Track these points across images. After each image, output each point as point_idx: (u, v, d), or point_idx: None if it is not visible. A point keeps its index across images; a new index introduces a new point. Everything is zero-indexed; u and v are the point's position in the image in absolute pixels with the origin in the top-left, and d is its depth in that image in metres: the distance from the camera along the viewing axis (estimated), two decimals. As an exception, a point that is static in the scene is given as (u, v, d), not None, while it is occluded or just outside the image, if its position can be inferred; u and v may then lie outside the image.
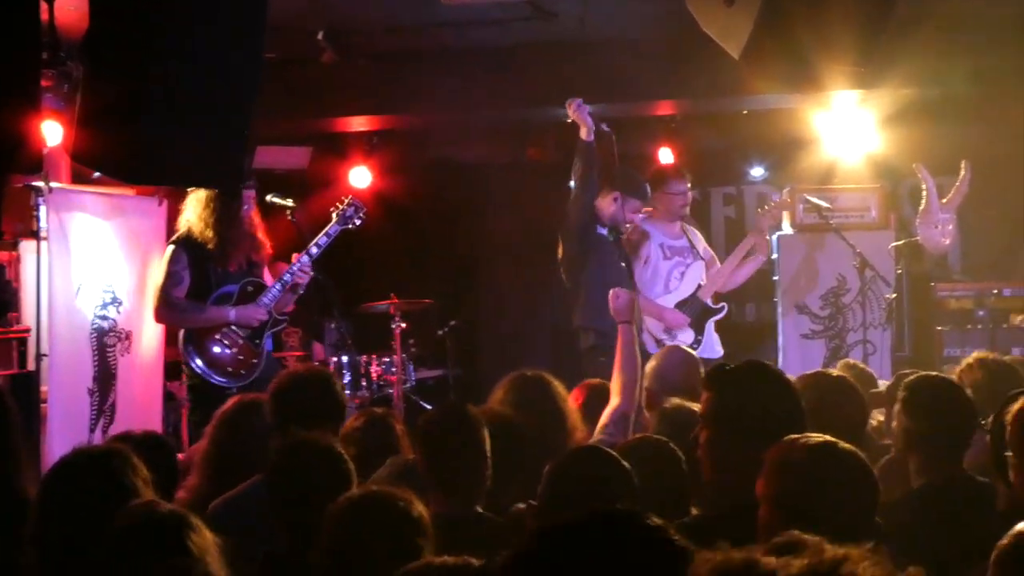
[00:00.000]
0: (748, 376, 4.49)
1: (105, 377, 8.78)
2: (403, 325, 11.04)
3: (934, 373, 5.18)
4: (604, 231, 9.02)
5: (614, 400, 5.82)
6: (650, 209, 9.47)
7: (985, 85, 10.12)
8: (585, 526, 2.16)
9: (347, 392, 10.54)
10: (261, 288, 8.34)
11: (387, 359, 10.96)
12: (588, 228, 9.23)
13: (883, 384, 6.74)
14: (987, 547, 3.68)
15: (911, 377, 5.24)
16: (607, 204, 9.23)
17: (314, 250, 8.49)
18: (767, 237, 9.67)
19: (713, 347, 9.51)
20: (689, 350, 7.09)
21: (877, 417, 6.22)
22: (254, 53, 5.10)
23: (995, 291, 9.87)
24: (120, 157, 5.17)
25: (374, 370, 10.88)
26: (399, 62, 10.30)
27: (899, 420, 4.93)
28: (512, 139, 12.13)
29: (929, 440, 4.78)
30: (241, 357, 8.27)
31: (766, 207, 9.98)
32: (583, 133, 8.98)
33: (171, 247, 8.33)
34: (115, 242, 8.83)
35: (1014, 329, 9.48)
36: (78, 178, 9.16)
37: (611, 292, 6.29)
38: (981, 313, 10.15)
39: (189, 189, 8.30)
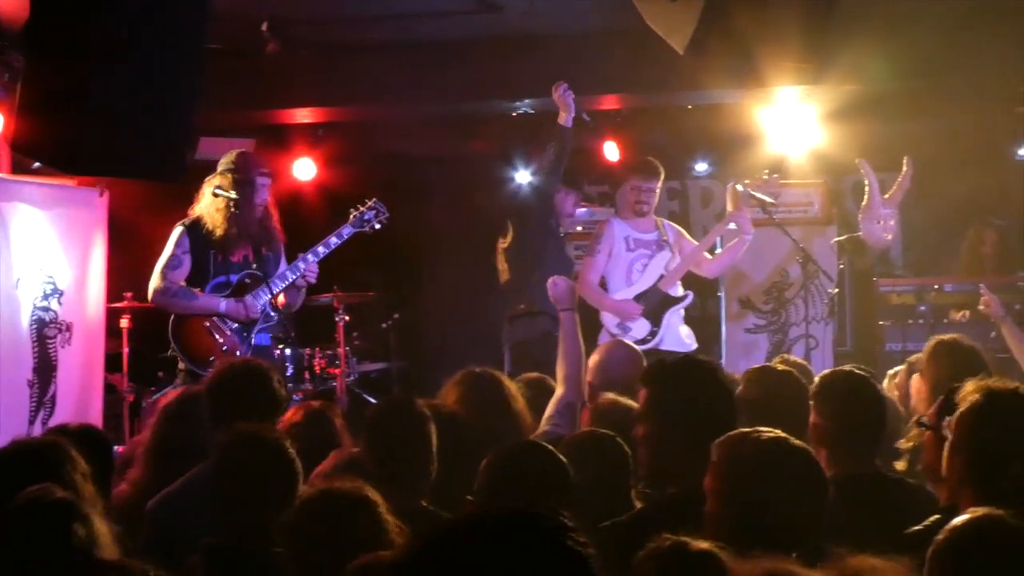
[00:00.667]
0: (682, 371, 4.52)
1: (45, 369, 8.70)
2: (346, 318, 11.01)
3: (848, 368, 5.21)
4: (552, 222, 9.06)
5: (559, 390, 5.84)
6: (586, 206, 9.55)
7: (926, 81, 10.20)
8: (476, 526, 2.13)
9: (290, 385, 10.49)
10: (259, 281, 8.22)
11: (330, 352, 10.92)
12: (547, 216, 9.29)
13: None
14: (893, 543, 3.72)
15: (825, 372, 5.29)
16: (560, 196, 9.29)
17: (321, 250, 8.41)
18: (746, 215, 9.65)
19: (678, 339, 9.48)
20: (633, 346, 7.11)
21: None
22: (197, 43, 5.07)
23: (936, 286, 9.95)
24: (61, 147, 5.11)
25: (317, 363, 10.83)
26: (344, 54, 10.26)
27: (812, 415, 4.97)
28: (457, 132, 12.12)
29: (837, 435, 4.82)
30: (226, 348, 8.15)
31: (747, 183, 9.93)
32: (562, 118, 9.01)
33: (178, 229, 8.21)
34: (55, 233, 8.75)
35: (955, 324, 9.54)
36: (18, 168, 9.06)
37: (550, 280, 6.30)
38: (922, 308, 10.22)
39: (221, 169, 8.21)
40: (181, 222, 8.25)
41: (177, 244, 8.14)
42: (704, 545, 3.09)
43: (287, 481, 4.29)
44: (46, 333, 8.72)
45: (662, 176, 9.62)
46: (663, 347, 9.22)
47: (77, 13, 4.87)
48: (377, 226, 8.71)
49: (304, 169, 11.76)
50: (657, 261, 9.50)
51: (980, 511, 3.22)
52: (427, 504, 4.61)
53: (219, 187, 8.24)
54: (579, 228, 11.50)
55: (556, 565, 2.06)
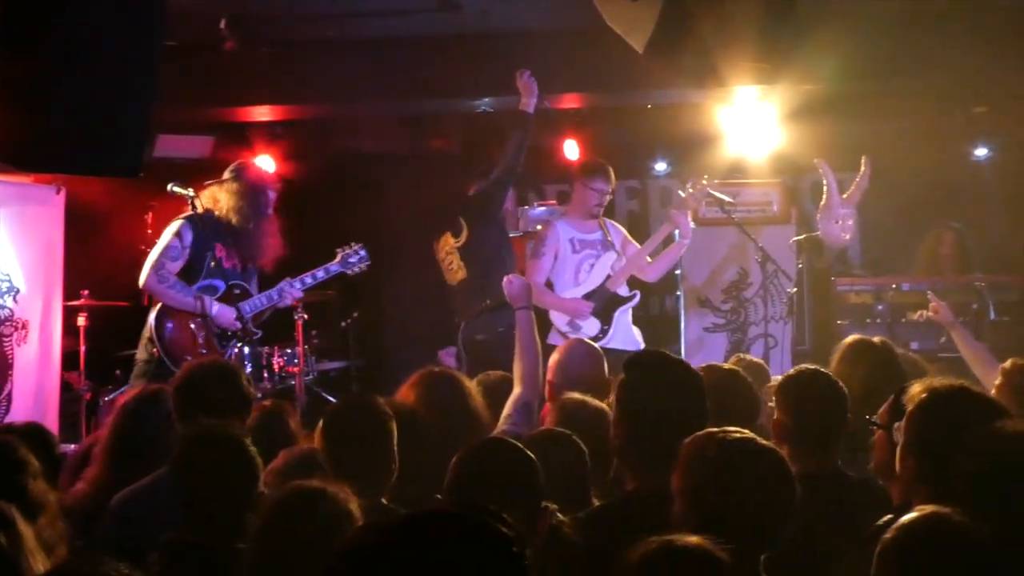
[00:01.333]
0: (656, 368, 4.53)
1: (1, 367, 8.65)
2: (305, 316, 10.96)
3: (811, 366, 5.24)
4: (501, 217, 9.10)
5: (516, 389, 5.83)
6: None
7: (883, 81, 10.25)
8: (416, 526, 2.13)
9: (249, 384, 10.46)
10: (246, 295, 8.19)
11: (289, 350, 10.88)
12: (500, 210, 9.33)
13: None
14: (849, 542, 3.74)
15: (789, 371, 5.32)
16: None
17: (308, 280, 8.42)
18: (688, 219, 9.68)
19: (628, 337, 9.53)
20: (593, 344, 7.11)
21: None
22: (155, 41, 5.05)
23: (894, 286, 9.98)
24: (17, 144, 5.08)
25: (276, 362, 10.79)
26: (303, 51, 10.22)
27: (775, 413, 4.99)
28: (417, 130, 12.10)
29: (798, 432, 4.84)
30: (204, 351, 8.09)
31: (688, 189, 9.97)
32: (524, 103, 9.02)
33: (181, 221, 8.16)
34: (11, 230, 8.70)
35: (912, 323, 9.58)
36: (-26, 165, 9.00)
37: (505, 278, 6.31)
38: (880, 307, 10.25)
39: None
40: (185, 214, 8.19)
41: (181, 235, 8.10)
42: (697, 540, 3.08)
43: (247, 478, 4.27)
44: (1, 331, 8.67)
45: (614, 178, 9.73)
46: (612, 345, 9.24)
47: (33, 11, 4.84)
48: (358, 270, 8.74)
49: (265, 167, 11.72)
50: (604, 261, 9.56)
51: (927, 509, 3.24)
52: (388, 502, 4.60)
53: (177, 185, 8.24)
54: (539, 227, 11.49)
55: (495, 565, 2.06)
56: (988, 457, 3.51)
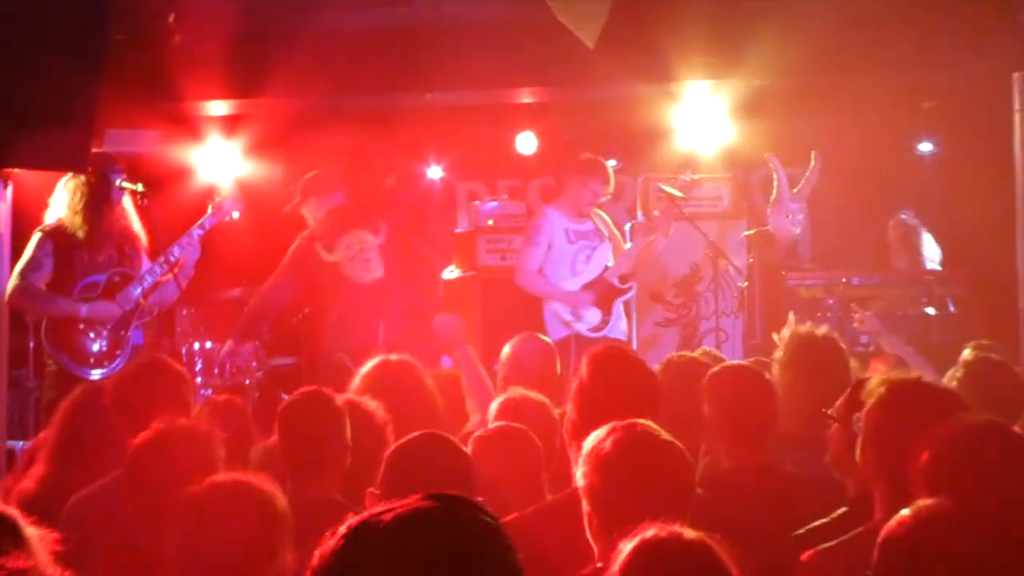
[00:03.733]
0: (610, 361, 4.54)
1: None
2: (256, 311, 10.92)
3: (738, 362, 5.28)
4: None
5: (474, 418, 5.86)
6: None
7: (832, 77, 10.30)
8: (419, 522, 2.12)
9: (199, 380, 10.42)
10: (129, 279, 8.10)
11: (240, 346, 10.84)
12: None
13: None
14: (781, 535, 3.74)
15: (715, 367, 5.34)
16: None
17: (185, 241, 8.26)
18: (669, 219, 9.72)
19: (622, 329, 9.60)
20: (545, 339, 7.13)
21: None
22: (99, 35, 5.01)
23: (844, 279, 10.02)
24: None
25: (227, 358, 10.75)
26: (252, 46, 10.17)
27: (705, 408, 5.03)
28: (366, 125, 12.07)
29: (728, 427, 4.88)
30: (105, 349, 8.03)
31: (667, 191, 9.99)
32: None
33: (37, 234, 8.04)
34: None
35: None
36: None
37: (436, 319, 6.33)
38: (830, 301, 10.30)
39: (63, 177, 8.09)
40: (40, 228, 8.09)
41: (38, 247, 7.97)
42: (694, 535, 3.06)
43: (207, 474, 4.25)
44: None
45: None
46: (614, 335, 9.33)
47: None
48: (235, 215, 8.62)
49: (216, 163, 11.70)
50: (601, 252, 9.58)
51: (929, 501, 3.25)
52: (339, 497, 4.60)
53: (125, 180, 8.16)
54: (490, 222, 11.48)
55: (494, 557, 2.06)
56: (945, 450, 3.51)
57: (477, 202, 12.00)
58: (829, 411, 4.54)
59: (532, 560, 3.95)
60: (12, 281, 8.01)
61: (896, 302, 9.78)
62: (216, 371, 10.73)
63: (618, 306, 9.61)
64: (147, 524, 4.22)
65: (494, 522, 2.11)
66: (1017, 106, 9.39)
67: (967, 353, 5.91)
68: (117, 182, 8.09)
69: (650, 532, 2.99)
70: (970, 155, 11.24)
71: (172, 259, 8.14)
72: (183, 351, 10.64)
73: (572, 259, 9.53)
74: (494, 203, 11.91)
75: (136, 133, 10.66)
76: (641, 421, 3.72)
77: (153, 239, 8.35)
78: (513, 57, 10.05)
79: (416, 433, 4.22)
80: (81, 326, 7.99)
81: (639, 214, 11.02)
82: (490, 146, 12.09)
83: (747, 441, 4.87)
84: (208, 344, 10.70)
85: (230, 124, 11.55)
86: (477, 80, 10.28)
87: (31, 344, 9.86)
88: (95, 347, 8.00)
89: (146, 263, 8.27)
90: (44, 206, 9.07)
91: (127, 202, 8.24)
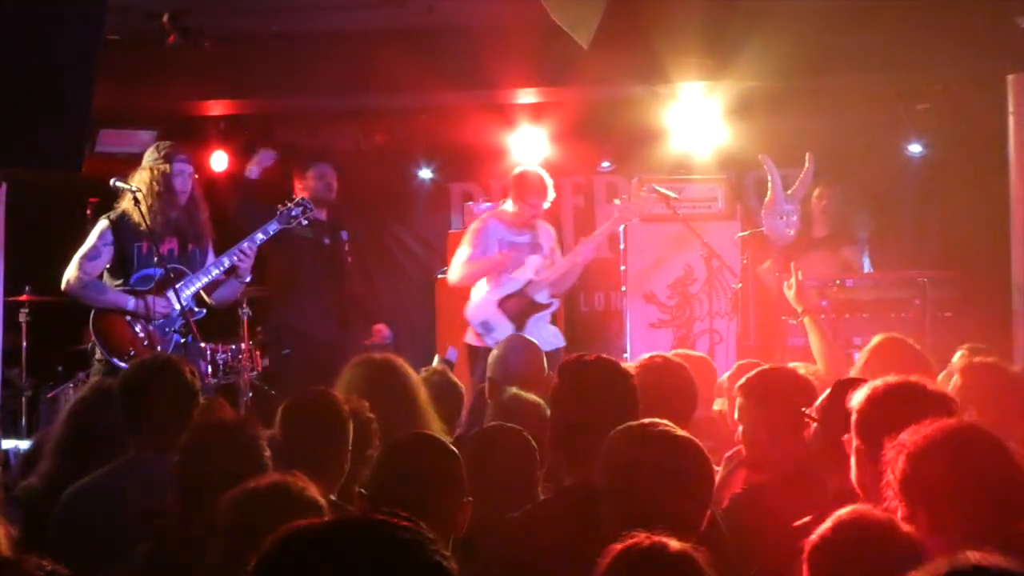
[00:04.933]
0: (581, 370, 4.55)
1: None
2: (250, 313, 10.92)
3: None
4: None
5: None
6: None
7: (826, 78, 10.31)
8: (329, 533, 2.13)
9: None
10: (182, 276, 8.09)
11: (233, 346, 10.84)
12: None
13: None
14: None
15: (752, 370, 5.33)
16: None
17: (247, 245, 8.29)
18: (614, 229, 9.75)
19: (543, 341, 9.52)
20: (531, 340, 7.15)
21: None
22: (92, 32, 5.01)
23: (837, 281, 10.02)
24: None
25: (220, 357, 10.75)
26: (245, 45, 10.17)
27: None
28: (358, 125, 12.08)
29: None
30: (147, 343, 8.02)
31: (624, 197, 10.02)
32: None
33: (102, 221, 8.11)
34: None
35: (856, 319, 9.63)
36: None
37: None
38: (824, 303, 10.30)
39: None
40: (106, 215, 8.15)
41: (100, 236, 8.06)
42: (679, 546, 3.07)
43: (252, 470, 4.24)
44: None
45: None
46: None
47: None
48: (304, 222, 8.66)
49: (217, 161, 11.70)
50: (528, 264, 9.58)
51: (854, 509, 3.26)
52: (335, 498, 4.60)
53: (120, 180, 8.18)
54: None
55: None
56: (906, 454, 3.50)
57: (471, 203, 12.00)
58: (808, 410, 4.53)
59: (532, 558, 3.99)
60: (69, 268, 8.06)
61: (889, 304, 9.78)
62: (209, 370, 10.73)
63: (539, 321, 9.59)
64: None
65: (422, 539, 2.11)
66: (1012, 108, 9.40)
67: (960, 360, 5.90)
68: (178, 169, 8.13)
69: (637, 538, 3.02)
70: (965, 157, 11.25)
71: (229, 261, 8.17)
72: (195, 351, 10.62)
73: (499, 271, 9.58)
74: (488, 204, 11.90)
75: (129, 133, 10.66)
76: None
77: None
78: (506, 57, 10.05)
79: (406, 433, 4.22)
80: (128, 318, 8.00)
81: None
82: (483, 146, 12.09)
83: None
84: (201, 344, 10.66)
85: (222, 124, 11.53)
86: (468, 79, 10.28)
87: (24, 344, 9.87)
88: (136, 341, 7.99)
89: (211, 258, 8.28)
90: (38, 207, 9.10)
91: (200, 196, 8.29)
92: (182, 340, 8.27)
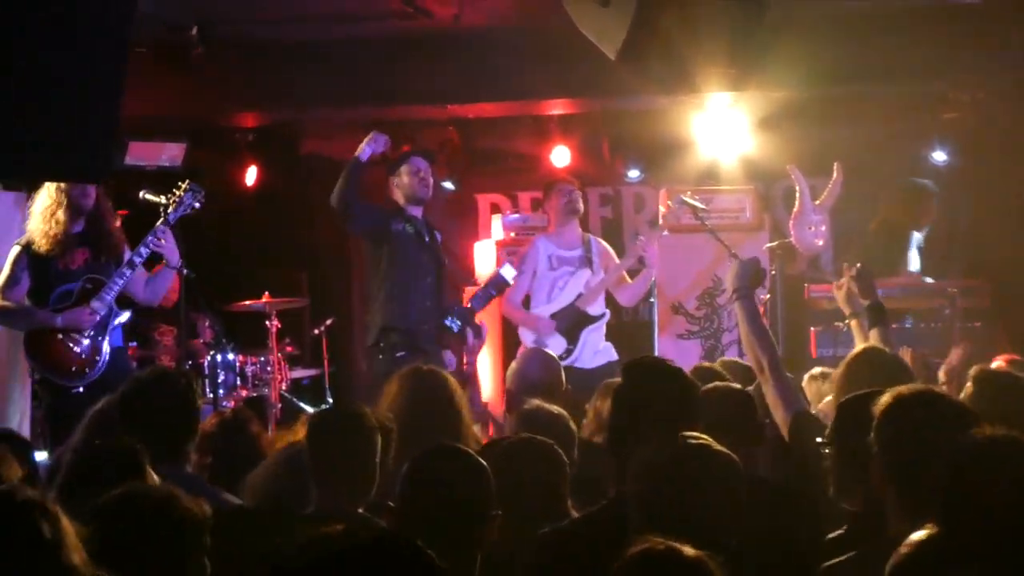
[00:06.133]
0: (646, 373, 4.53)
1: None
2: (278, 324, 10.97)
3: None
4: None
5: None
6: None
7: (854, 87, 10.28)
8: (339, 551, 2.14)
9: (221, 392, 10.44)
10: (101, 285, 8.12)
11: (262, 359, 10.88)
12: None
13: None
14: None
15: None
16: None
17: (151, 239, 8.22)
18: (654, 248, 9.73)
19: (598, 355, 9.62)
20: (550, 352, 7.16)
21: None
22: (120, 44, 5.02)
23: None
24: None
25: (249, 370, 10.79)
26: (273, 56, 10.20)
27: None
28: (391, 136, 12.10)
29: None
30: (83, 356, 8.05)
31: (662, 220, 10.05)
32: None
33: (14, 248, 8.13)
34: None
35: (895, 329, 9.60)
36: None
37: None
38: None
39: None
40: (17, 241, 8.18)
41: (15, 262, 8.06)
42: (695, 552, 3.06)
43: None
44: (-31, 339, 8.65)
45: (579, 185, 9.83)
46: (578, 364, 9.36)
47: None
48: (197, 205, 8.53)
49: (248, 174, 11.76)
50: (577, 278, 9.65)
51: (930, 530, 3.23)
52: (363, 511, 4.59)
53: (149, 193, 8.26)
54: (512, 234, 11.48)
55: None
56: (958, 466, 3.45)
57: (499, 215, 12.01)
58: (821, 439, 4.44)
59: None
60: None
61: (918, 314, 9.74)
62: (238, 383, 10.77)
63: (591, 334, 9.60)
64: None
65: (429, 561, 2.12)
66: (1040, 116, 9.37)
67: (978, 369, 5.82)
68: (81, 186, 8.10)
69: (653, 542, 3.03)
70: (992, 167, 11.20)
71: (139, 259, 8.15)
72: (205, 362, 10.67)
73: (551, 285, 9.67)
74: (516, 215, 11.92)
75: (159, 145, 10.69)
76: None
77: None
78: (533, 69, 10.07)
79: (432, 445, 4.20)
80: (60, 336, 8.01)
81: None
82: (513, 158, 12.11)
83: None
84: (230, 355, 10.71)
85: (251, 135, 11.56)
86: (495, 90, 10.29)
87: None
88: (72, 357, 8.01)
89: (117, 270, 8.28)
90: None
91: (106, 206, 8.28)
92: (120, 344, 8.29)
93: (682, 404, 4.39)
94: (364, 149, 8.72)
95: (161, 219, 8.24)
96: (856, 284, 6.65)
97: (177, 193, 8.41)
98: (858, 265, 6.76)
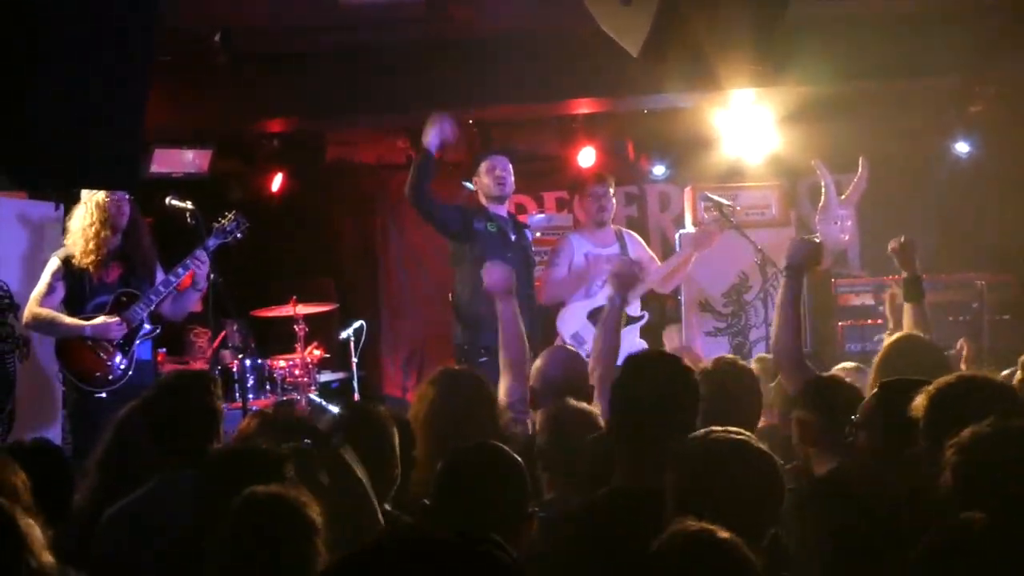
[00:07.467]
0: (644, 365, 4.54)
1: (3, 385, 8.71)
2: (305, 328, 10.99)
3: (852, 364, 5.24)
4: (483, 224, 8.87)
5: (505, 380, 5.94)
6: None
7: (879, 82, 10.26)
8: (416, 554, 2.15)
9: (250, 396, 10.47)
10: (135, 299, 8.25)
11: (291, 362, 10.90)
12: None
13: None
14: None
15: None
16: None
17: (189, 263, 8.35)
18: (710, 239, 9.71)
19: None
20: (572, 349, 7.15)
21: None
22: (144, 51, 5.03)
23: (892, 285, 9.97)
24: (6, 161, 5.06)
25: (278, 373, 10.82)
26: (296, 64, 10.22)
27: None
28: (409, 139, 12.12)
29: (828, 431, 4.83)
30: (108, 364, 8.19)
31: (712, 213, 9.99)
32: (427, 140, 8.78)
33: (52, 259, 8.35)
34: (10, 247, 8.74)
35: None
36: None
37: (485, 266, 6.38)
38: (880, 308, 10.25)
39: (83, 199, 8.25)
40: (55, 253, 8.37)
41: (52, 274, 8.27)
42: (727, 534, 3.11)
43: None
44: (3, 348, 8.71)
45: (612, 181, 9.66)
46: (618, 363, 9.25)
47: (18, 20, 4.82)
48: (239, 236, 8.66)
49: (274, 181, 11.82)
50: None
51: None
52: (389, 507, 4.61)
53: (175, 199, 8.38)
54: (538, 234, 11.48)
55: None
56: (977, 451, 3.43)
57: (525, 215, 12.02)
58: (853, 418, 4.46)
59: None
60: (28, 306, 8.30)
61: (947, 307, 9.72)
62: (267, 386, 10.79)
63: (629, 334, 9.49)
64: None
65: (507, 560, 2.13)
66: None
67: None
68: (117, 201, 8.21)
69: (687, 523, 3.06)
70: (1019, 159, 11.17)
71: (175, 279, 8.30)
72: (234, 366, 10.70)
73: (589, 282, 9.50)
74: (542, 215, 11.93)
75: (185, 152, 10.73)
76: None
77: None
78: (556, 69, 10.07)
79: (469, 443, 4.21)
80: (89, 343, 8.19)
81: (687, 223, 11.00)
82: (538, 159, 12.11)
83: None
84: (259, 360, 10.76)
85: (276, 142, 11.58)
86: (519, 92, 10.29)
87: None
88: (99, 365, 8.17)
89: (160, 277, 8.39)
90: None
91: (140, 223, 8.39)
92: (148, 358, 8.45)
93: (684, 395, 4.40)
94: (431, 136, 8.65)
95: (200, 244, 8.36)
96: (898, 257, 6.76)
97: (222, 222, 8.53)
98: (902, 238, 6.85)
